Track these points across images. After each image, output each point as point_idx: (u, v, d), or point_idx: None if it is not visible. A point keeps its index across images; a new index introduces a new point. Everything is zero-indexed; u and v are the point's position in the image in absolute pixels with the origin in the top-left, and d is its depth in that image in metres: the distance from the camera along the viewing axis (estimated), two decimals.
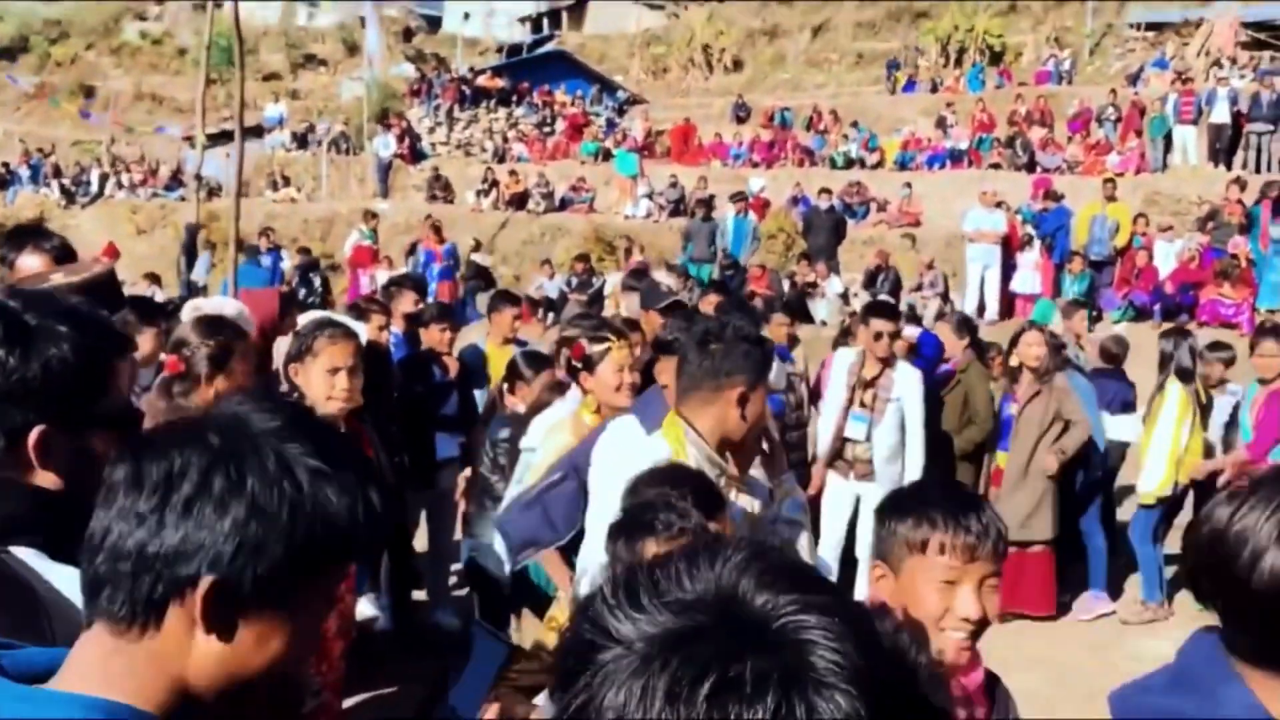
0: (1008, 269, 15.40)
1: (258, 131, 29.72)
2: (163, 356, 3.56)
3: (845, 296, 16.09)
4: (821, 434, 6.50)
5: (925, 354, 6.96)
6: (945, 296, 15.74)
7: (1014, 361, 6.95)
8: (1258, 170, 17.74)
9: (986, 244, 15.31)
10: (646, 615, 0.72)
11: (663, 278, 17.38)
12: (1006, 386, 6.99)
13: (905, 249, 18.45)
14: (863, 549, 6.47)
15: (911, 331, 6.86)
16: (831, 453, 6.45)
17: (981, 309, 15.36)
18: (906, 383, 6.42)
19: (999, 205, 15.86)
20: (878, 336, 6.25)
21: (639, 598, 0.73)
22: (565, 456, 3.72)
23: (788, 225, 19.42)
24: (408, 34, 41.44)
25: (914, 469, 6.39)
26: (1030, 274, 15.08)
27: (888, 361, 6.33)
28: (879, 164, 22.77)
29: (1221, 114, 18.65)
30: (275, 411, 1.20)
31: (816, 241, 17.48)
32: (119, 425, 1.69)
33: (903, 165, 22.28)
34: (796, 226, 18.89)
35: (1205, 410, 7.19)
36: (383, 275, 16.08)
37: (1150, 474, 7.04)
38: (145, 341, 3.95)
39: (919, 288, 15.92)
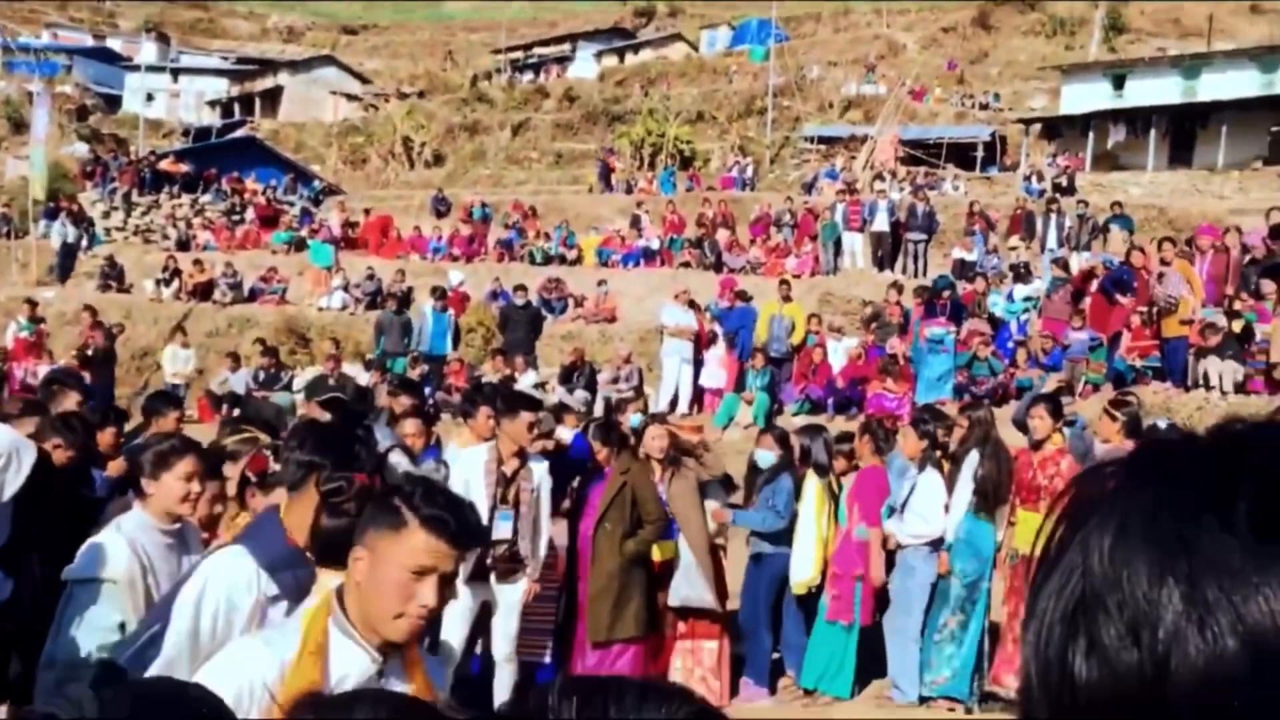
0: (697, 364, 16.02)
1: None
2: None
3: (542, 388, 16.17)
4: None
5: (572, 456, 6.90)
6: (639, 390, 16.14)
7: (641, 453, 7.14)
8: (916, 275, 19.44)
9: (683, 340, 15.90)
10: None
11: (357, 372, 16.97)
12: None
13: (602, 343, 18.87)
14: (502, 649, 6.37)
15: (565, 434, 6.85)
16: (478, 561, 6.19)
17: (674, 402, 15.87)
18: (541, 473, 6.36)
19: (691, 304, 16.56)
20: (530, 427, 6.19)
21: None
22: (159, 604, 3.18)
23: (486, 319, 19.43)
24: (82, 113, 38.86)
25: (537, 563, 6.36)
26: (716, 369, 15.76)
27: (522, 454, 6.25)
28: (577, 260, 23.29)
29: (882, 223, 20.36)
30: None
31: (514, 336, 17.56)
32: None
33: (601, 262, 22.89)
34: (495, 321, 18.93)
35: (837, 500, 7.66)
36: (45, 370, 14.75)
37: (800, 566, 7.39)
38: None
39: (615, 380, 16.25)
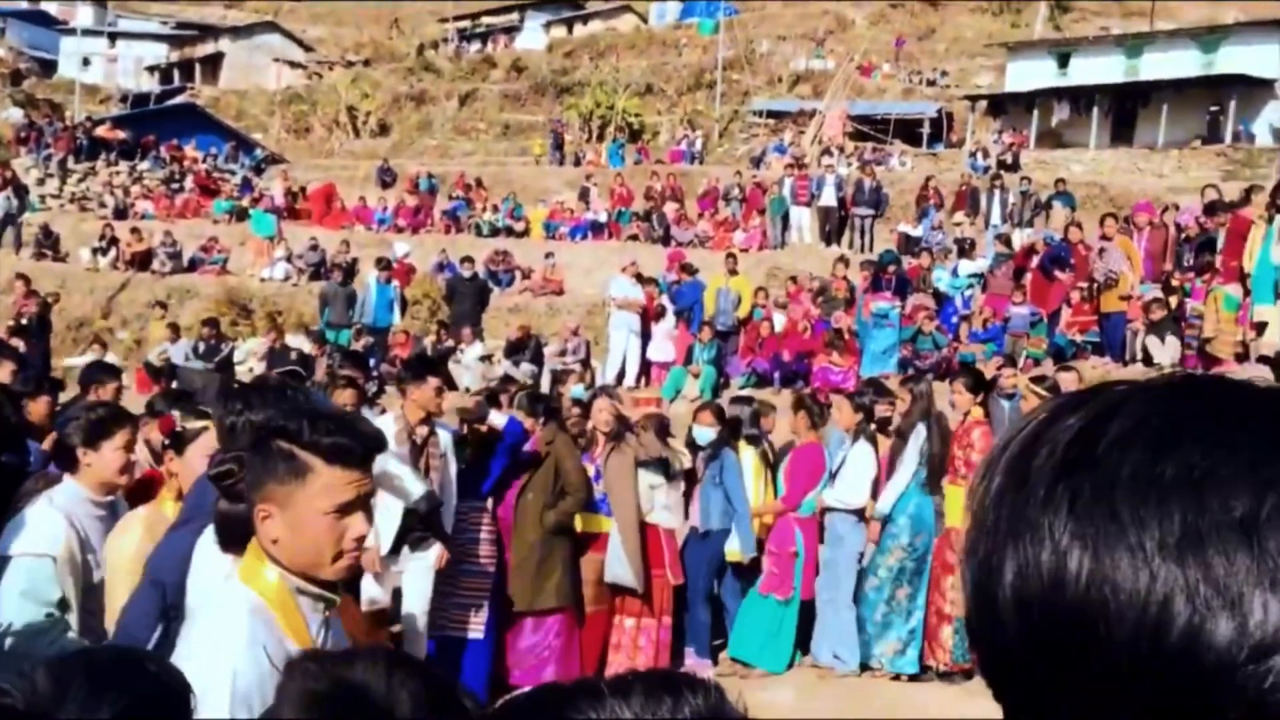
0: (644, 337, 16.01)
1: None
2: None
3: (488, 360, 16.09)
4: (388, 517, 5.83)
5: (507, 440, 6.67)
6: (586, 362, 16.11)
7: (589, 425, 7.15)
8: (862, 250, 19.56)
9: (631, 312, 15.88)
10: None
11: (299, 343, 16.76)
12: (584, 447, 7.19)
13: (549, 316, 18.80)
14: (415, 621, 6.27)
15: (499, 419, 6.71)
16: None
17: (621, 375, 15.85)
18: (447, 439, 6.29)
19: (639, 278, 16.54)
20: (439, 391, 6.11)
21: None
22: (145, 577, 3.00)
23: (433, 291, 19.28)
24: (16, 77, 37.90)
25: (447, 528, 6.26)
26: (664, 343, 15.75)
27: (429, 421, 6.15)
28: (525, 233, 23.14)
29: (829, 198, 20.46)
30: None
31: (461, 308, 17.43)
32: None
33: (548, 235, 22.76)
34: (441, 293, 18.78)
35: (774, 468, 7.76)
36: None
37: (739, 535, 7.45)
38: None
39: (562, 353, 16.20)
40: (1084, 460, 0.61)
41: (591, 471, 6.98)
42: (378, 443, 2.20)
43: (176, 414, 3.55)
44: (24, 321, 16.74)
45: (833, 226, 20.57)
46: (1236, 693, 0.54)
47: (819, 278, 16.55)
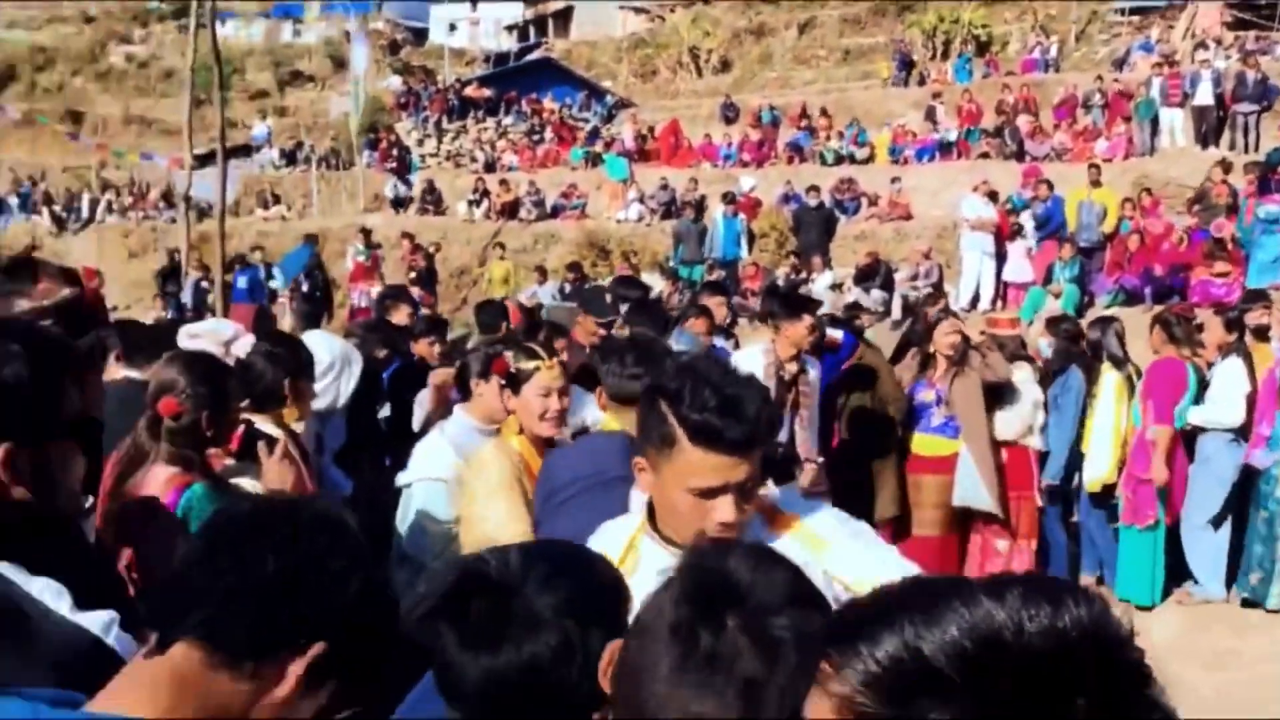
0: (999, 258, 15.44)
1: (246, 150, 29.82)
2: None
3: (839, 289, 16.11)
4: None
5: (842, 354, 6.63)
6: (938, 287, 15.75)
7: (930, 349, 6.98)
8: (1246, 150, 17.76)
9: (984, 233, 15.36)
10: None
11: (654, 281, 17.50)
12: (918, 374, 7.02)
13: (896, 242, 18.51)
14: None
15: (835, 333, 6.65)
16: None
17: (976, 299, 15.40)
18: (816, 374, 6.17)
19: (991, 196, 15.94)
20: (812, 329, 5.95)
21: None
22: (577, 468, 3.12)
23: (779, 223, 19.47)
24: (394, 47, 41.51)
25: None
26: (1021, 263, 15.12)
27: (799, 356, 6.00)
28: (870, 159, 22.78)
29: (1205, 96, 18.67)
30: None
31: (808, 238, 17.51)
32: (76, 436, 1.73)
33: (893, 159, 22.30)
34: (788, 224, 18.93)
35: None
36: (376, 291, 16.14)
37: (1095, 462, 7.11)
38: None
39: (914, 278, 15.93)
40: None
41: (933, 396, 6.92)
42: (760, 429, 1.97)
43: (509, 355, 3.73)
44: (415, 274, 18.57)
45: (1210, 127, 18.79)
46: None
47: (1197, 183, 15.26)
